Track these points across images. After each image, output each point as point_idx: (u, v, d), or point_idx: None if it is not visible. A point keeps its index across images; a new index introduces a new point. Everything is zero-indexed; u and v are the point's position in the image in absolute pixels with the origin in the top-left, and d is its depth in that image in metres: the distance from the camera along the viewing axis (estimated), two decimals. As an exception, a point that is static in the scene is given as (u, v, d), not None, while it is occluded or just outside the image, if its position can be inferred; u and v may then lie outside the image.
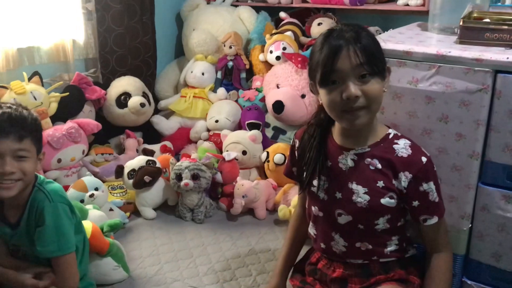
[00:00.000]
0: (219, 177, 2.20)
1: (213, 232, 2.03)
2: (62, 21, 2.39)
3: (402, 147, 1.27)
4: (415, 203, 1.27)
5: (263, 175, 2.38)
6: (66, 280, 1.41)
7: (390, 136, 1.31)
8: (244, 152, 2.33)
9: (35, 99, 2.18)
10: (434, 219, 1.29)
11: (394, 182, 1.26)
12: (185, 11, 2.98)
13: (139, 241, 1.96)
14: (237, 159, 2.29)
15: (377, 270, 1.33)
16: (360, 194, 1.27)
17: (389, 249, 1.33)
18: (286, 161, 1.53)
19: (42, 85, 2.28)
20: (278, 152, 2.28)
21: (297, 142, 1.43)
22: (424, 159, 1.26)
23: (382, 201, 1.26)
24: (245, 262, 1.82)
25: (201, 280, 1.72)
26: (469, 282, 1.51)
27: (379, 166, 1.27)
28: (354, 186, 1.29)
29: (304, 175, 1.38)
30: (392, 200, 1.27)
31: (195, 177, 2.06)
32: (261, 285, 1.69)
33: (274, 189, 2.23)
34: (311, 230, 1.44)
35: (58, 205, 1.39)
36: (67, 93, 2.33)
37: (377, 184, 1.27)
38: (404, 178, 1.25)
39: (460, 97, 1.36)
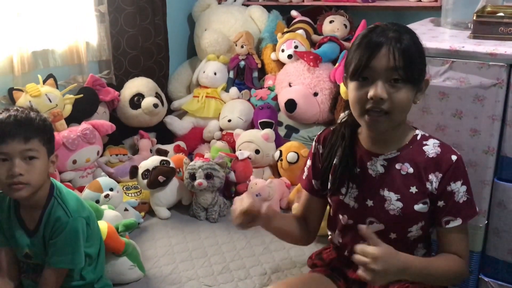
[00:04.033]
0: (232, 176, 2.21)
1: (227, 231, 2.03)
2: (75, 24, 2.41)
3: (431, 148, 1.22)
4: (440, 203, 1.21)
5: (276, 173, 2.38)
6: None
7: (418, 137, 1.25)
8: (257, 151, 2.33)
9: (50, 101, 2.20)
10: (457, 222, 1.20)
11: (427, 185, 1.21)
12: (197, 11, 2.99)
13: (154, 240, 1.98)
14: (250, 158, 2.29)
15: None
16: (393, 201, 1.23)
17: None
18: (306, 173, 1.40)
19: (57, 88, 2.30)
20: (291, 150, 2.28)
21: (321, 148, 1.35)
22: (454, 157, 1.20)
23: (416, 207, 1.22)
24: (259, 261, 1.82)
25: (216, 279, 1.72)
26: (486, 279, 1.49)
27: (411, 170, 1.22)
28: (386, 193, 1.24)
29: (331, 182, 1.31)
30: (425, 206, 1.22)
31: (208, 176, 2.07)
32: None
33: (287, 188, 2.22)
34: (336, 239, 1.37)
35: (77, 220, 1.40)
36: (81, 95, 2.35)
37: (410, 190, 1.22)
38: (435, 179, 1.20)
39: (474, 92, 1.35)
